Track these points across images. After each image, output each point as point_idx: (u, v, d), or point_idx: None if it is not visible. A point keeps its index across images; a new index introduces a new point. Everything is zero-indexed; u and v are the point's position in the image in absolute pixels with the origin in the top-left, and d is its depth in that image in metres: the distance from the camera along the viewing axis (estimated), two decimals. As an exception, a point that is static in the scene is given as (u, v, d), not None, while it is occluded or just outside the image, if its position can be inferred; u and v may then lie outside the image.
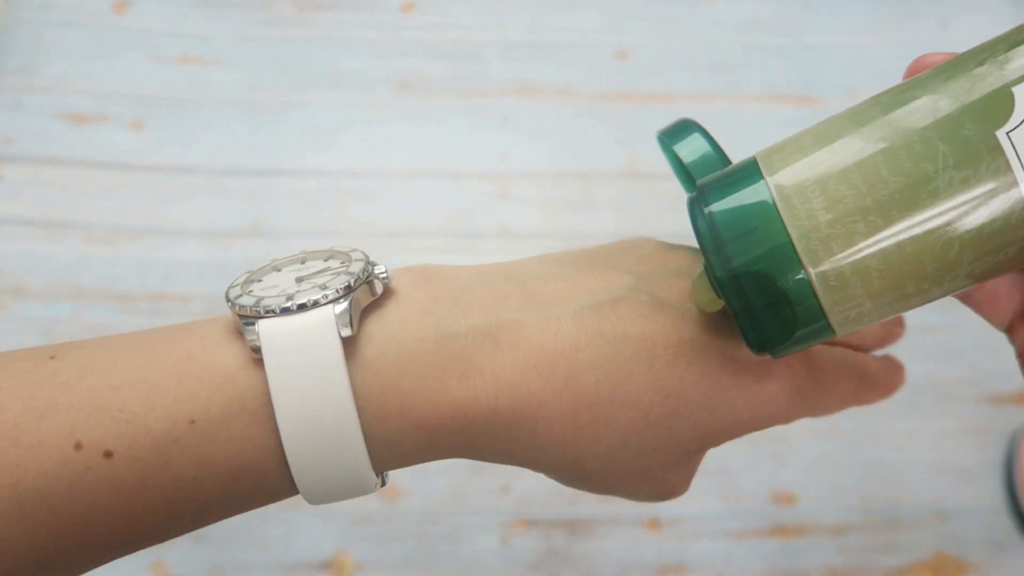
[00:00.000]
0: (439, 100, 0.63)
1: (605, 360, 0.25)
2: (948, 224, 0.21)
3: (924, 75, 0.23)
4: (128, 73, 0.63)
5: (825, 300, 0.22)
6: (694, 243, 0.25)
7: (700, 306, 0.26)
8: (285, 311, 0.24)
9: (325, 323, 0.24)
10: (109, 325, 0.56)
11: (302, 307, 0.24)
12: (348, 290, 0.25)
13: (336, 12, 0.66)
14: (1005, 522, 0.53)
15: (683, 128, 0.27)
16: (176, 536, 0.26)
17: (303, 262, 0.27)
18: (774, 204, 0.22)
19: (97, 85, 0.63)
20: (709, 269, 0.24)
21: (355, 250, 0.27)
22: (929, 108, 0.22)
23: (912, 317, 0.58)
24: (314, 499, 0.26)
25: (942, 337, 0.57)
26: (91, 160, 0.61)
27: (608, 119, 0.63)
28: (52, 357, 0.25)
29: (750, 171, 0.23)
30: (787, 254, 0.22)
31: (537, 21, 0.66)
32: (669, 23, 0.66)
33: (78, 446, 0.23)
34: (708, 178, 0.24)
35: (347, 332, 0.24)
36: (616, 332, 0.25)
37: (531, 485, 0.53)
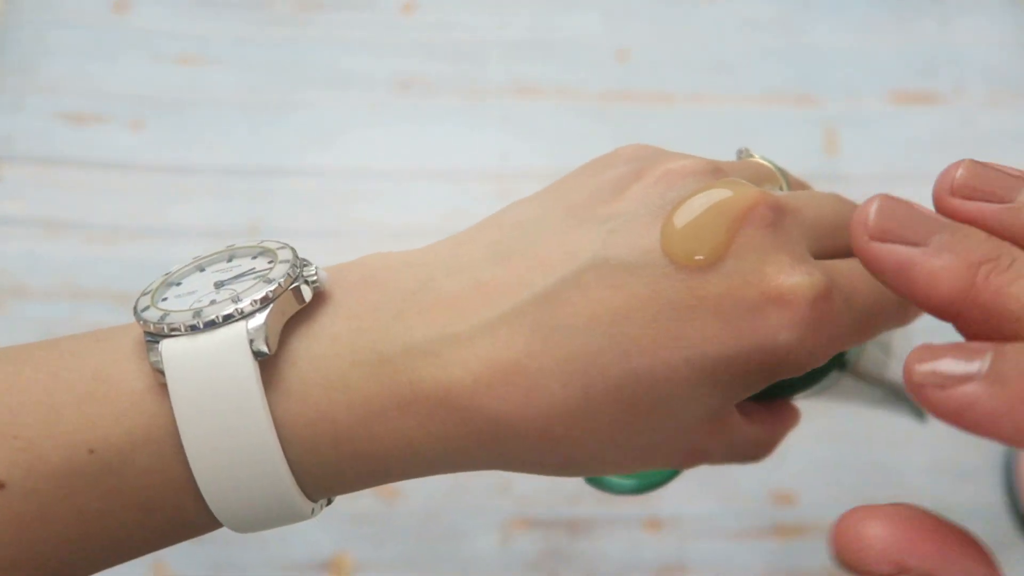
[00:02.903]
0: (439, 100, 0.63)
1: (570, 360, 0.21)
2: None
3: None
4: (128, 73, 0.63)
5: None
6: None
7: (675, 260, 0.22)
8: (192, 329, 0.21)
9: (237, 343, 0.21)
10: (109, 325, 0.56)
11: (211, 324, 0.21)
12: (266, 301, 0.22)
13: (336, 12, 0.66)
14: (1005, 522, 0.53)
15: None
16: (96, 572, 0.23)
17: (230, 259, 0.25)
18: None
19: (97, 85, 0.63)
20: None
21: (284, 246, 0.24)
22: None
23: (912, 317, 0.58)
24: (241, 530, 0.23)
25: (942, 337, 0.57)
26: (91, 160, 0.61)
27: (608, 119, 0.63)
28: None
29: None
30: None
31: (537, 21, 0.66)
32: (669, 23, 0.66)
33: None
34: None
35: (264, 351, 0.21)
36: (579, 321, 0.22)
37: (531, 485, 0.53)
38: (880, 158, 0.61)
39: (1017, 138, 0.62)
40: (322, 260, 0.62)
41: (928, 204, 0.22)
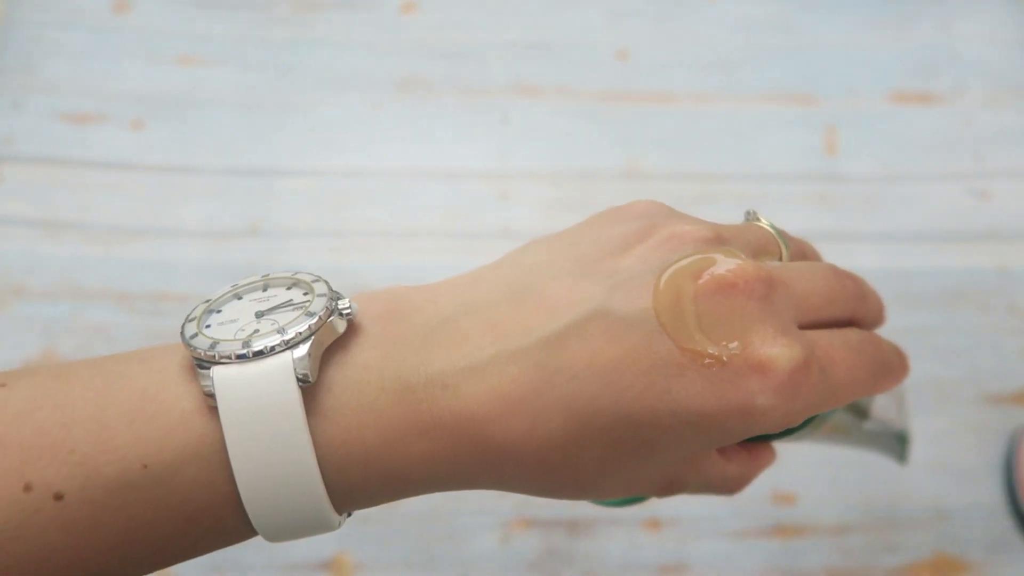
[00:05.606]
0: (439, 100, 0.63)
1: (569, 400, 0.24)
2: None
3: None
4: (128, 73, 0.63)
5: None
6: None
7: (660, 322, 0.25)
8: (242, 358, 0.24)
9: (283, 372, 0.24)
10: (109, 325, 0.56)
11: (259, 354, 0.24)
12: (308, 333, 0.24)
13: (336, 12, 0.66)
14: (1005, 522, 0.53)
15: None
16: None
17: (265, 289, 0.27)
18: None
19: (97, 85, 0.63)
20: None
21: (318, 279, 0.26)
22: None
23: (912, 317, 0.58)
24: (273, 539, 0.26)
25: (942, 337, 0.57)
26: (91, 160, 0.61)
27: (608, 119, 0.63)
28: (3, 385, 0.24)
29: None
30: None
31: (537, 21, 0.66)
32: (669, 23, 0.66)
33: (27, 487, 0.23)
34: None
35: (307, 379, 0.24)
36: (580, 366, 0.24)
37: (531, 485, 0.53)
38: (880, 158, 0.61)
39: (1017, 138, 0.62)
40: (322, 260, 0.62)
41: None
